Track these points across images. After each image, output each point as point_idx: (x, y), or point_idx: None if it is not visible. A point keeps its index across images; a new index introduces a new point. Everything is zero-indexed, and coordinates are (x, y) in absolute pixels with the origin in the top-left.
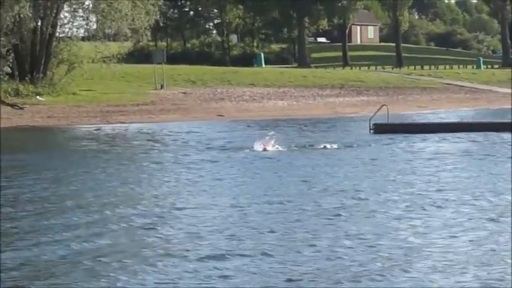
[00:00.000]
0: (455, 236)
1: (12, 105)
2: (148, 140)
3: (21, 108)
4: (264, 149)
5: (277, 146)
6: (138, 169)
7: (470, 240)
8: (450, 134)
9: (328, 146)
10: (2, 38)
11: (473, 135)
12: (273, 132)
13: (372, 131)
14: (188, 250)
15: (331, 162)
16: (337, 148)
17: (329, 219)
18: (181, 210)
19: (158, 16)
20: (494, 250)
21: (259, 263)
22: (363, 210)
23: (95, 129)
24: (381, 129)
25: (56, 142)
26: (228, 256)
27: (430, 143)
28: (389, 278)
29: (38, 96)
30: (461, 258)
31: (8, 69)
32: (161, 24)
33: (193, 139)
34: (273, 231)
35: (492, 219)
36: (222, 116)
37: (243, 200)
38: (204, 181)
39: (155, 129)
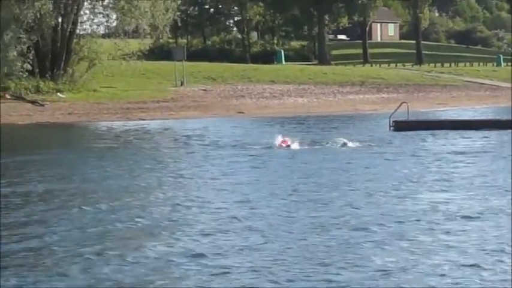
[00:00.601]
0: None
1: (32, 102)
2: (168, 137)
3: (42, 105)
4: (283, 146)
5: (296, 143)
6: (157, 165)
7: None
8: (470, 131)
9: (349, 143)
10: (23, 35)
11: (493, 132)
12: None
13: (391, 128)
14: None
15: (351, 160)
16: (357, 146)
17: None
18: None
19: (177, 15)
20: None
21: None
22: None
23: (117, 126)
24: (400, 126)
25: (77, 139)
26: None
27: (452, 141)
28: None
29: (58, 93)
30: None
31: (29, 67)
32: (180, 23)
33: (213, 136)
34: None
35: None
36: (242, 113)
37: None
38: (221, 178)
39: (175, 126)
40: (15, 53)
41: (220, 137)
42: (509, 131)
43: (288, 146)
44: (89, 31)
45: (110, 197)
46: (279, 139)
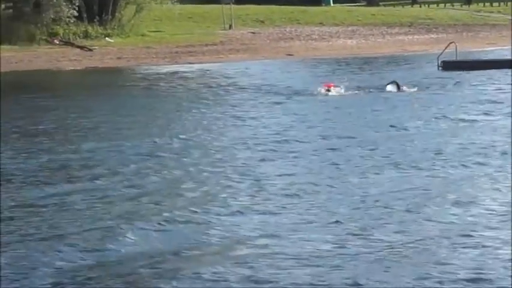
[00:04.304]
0: None
1: (81, 47)
2: (209, 82)
3: (91, 50)
4: (329, 91)
5: (341, 88)
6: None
7: None
8: None
9: (396, 86)
10: None
11: None
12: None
13: (440, 68)
14: None
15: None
16: (405, 88)
17: None
18: None
19: None
20: None
21: None
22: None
23: (166, 70)
24: (449, 66)
25: (128, 82)
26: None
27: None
28: None
29: (107, 38)
30: None
31: (75, 13)
32: None
33: (259, 80)
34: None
35: None
36: (291, 55)
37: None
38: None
39: (222, 69)
40: None
41: (265, 80)
42: None
43: (329, 90)
44: None
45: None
46: (323, 84)
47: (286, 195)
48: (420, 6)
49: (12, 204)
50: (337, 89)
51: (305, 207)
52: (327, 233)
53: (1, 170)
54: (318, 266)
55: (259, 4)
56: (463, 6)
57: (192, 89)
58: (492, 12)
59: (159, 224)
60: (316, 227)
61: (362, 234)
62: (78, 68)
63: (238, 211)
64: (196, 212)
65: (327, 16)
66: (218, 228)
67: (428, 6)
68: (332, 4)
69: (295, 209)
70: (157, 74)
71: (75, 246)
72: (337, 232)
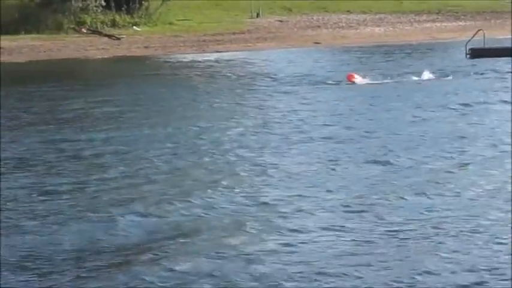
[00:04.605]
0: None
1: (109, 36)
2: (234, 70)
3: (118, 39)
4: (352, 81)
5: (367, 78)
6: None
7: None
8: None
9: (426, 76)
10: None
11: None
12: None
13: (468, 55)
14: None
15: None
16: (434, 78)
17: None
18: None
19: None
20: None
21: None
22: None
23: (193, 58)
24: (477, 53)
25: (153, 71)
26: None
27: None
28: None
29: (134, 27)
30: None
31: (103, 2)
32: None
33: (285, 68)
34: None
35: None
36: (318, 43)
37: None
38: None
39: (249, 58)
40: None
41: (290, 68)
42: None
43: (353, 82)
44: None
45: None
46: (348, 74)
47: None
48: None
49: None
50: (361, 78)
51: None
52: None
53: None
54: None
55: None
56: None
57: (217, 77)
58: None
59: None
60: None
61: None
62: (106, 56)
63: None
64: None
65: (355, 4)
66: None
67: None
68: None
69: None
70: (184, 62)
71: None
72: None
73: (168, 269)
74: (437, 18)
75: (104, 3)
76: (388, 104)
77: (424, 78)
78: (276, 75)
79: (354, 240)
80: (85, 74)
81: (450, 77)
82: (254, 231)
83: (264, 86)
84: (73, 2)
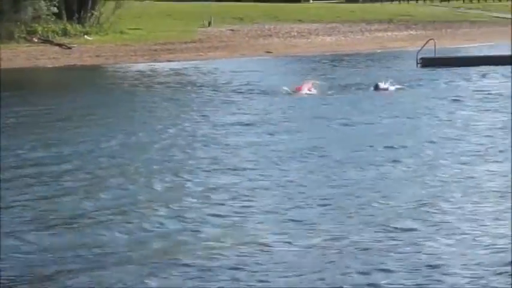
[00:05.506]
0: None
1: (60, 45)
2: (181, 81)
3: (69, 48)
4: (301, 92)
5: (314, 89)
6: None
7: None
8: (498, 66)
9: (376, 85)
10: None
11: None
12: (310, 77)
13: (419, 65)
14: None
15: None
16: (385, 88)
17: None
18: None
19: None
20: None
21: None
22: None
23: (144, 68)
24: (428, 62)
25: (103, 80)
26: None
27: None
28: None
29: (85, 36)
30: None
31: (55, 10)
32: None
33: (231, 78)
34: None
35: None
36: (270, 52)
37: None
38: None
39: (199, 67)
40: None
41: (238, 78)
42: None
43: (300, 92)
44: None
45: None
46: (298, 84)
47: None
48: (399, 3)
49: None
50: (308, 88)
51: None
52: None
53: None
54: None
55: (238, 1)
56: (443, 2)
57: (162, 86)
58: (471, 8)
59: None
60: None
61: None
62: (57, 65)
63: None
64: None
65: (306, 13)
66: None
67: (408, 2)
68: (311, 1)
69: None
70: (134, 71)
71: None
72: None
73: None
74: (389, 27)
75: (56, 11)
76: (332, 114)
77: (374, 88)
78: (222, 84)
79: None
80: (29, 83)
81: (400, 86)
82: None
83: (208, 95)
84: (25, 10)
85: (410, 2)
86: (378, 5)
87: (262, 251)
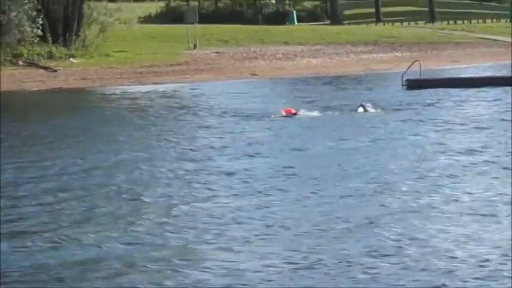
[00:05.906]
0: None
1: (45, 68)
2: (167, 104)
3: (55, 71)
4: (291, 115)
5: (303, 110)
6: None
7: None
8: (485, 88)
9: (361, 108)
10: (34, 0)
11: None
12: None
13: (404, 86)
14: None
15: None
16: (373, 109)
17: None
18: None
19: None
20: None
21: None
22: None
23: (130, 91)
24: (413, 84)
25: (87, 103)
26: None
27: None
28: None
29: (71, 59)
30: None
31: (39, 32)
32: None
33: (219, 103)
34: None
35: None
36: (255, 75)
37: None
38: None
39: (184, 90)
40: (25, 17)
41: (220, 101)
42: None
43: (294, 114)
44: None
45: None
46: (284, 107)
47: None
48: (384, 24)
49: None
50: (294, 111)
51: None
52: None
53: None
54: None
55: (223, 24)
56: (427, 24)
57: (145, 110)
58: (456, 30)
59: None
60: None
61: None
62: (42, 88)
63: None
64: None
65: (292, 35)
66: None
67: (393, 24)
68: (296, 23)
69: None
70: (119, 94)
71: None
72: None
73: None
74: (374, 49)
75: (40, 33)
76: (315, 137)
77: (359, 110)
78: (205, 107)
79: None
80: (13, 106)
81: (385, 109)
82: None
83: (190, 119)
84: (9, 34)
85: (395, 23)
86: (362, 26)
87: None
